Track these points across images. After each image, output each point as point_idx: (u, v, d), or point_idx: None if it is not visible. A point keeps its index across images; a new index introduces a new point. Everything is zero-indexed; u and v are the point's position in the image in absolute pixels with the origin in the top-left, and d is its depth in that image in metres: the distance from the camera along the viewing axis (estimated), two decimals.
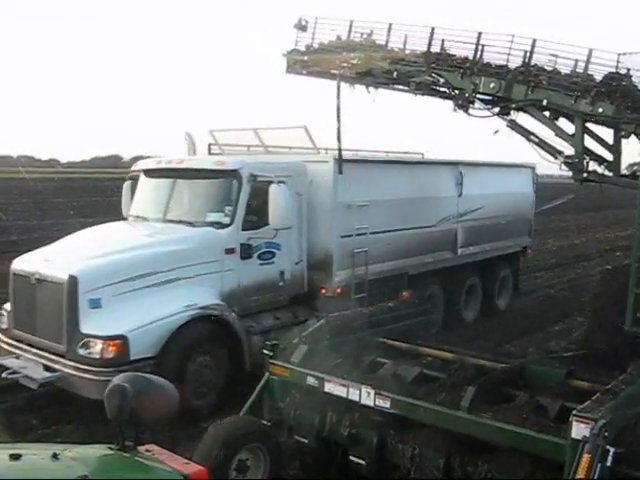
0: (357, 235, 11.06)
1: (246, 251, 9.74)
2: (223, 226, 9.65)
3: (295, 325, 8.82)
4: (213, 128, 13.10)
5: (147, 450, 2.79)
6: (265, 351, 7.15)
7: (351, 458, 6.31)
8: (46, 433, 8.14)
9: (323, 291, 10.75)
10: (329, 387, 6.43)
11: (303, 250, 10.66)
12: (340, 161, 10.89)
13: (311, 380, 6.59)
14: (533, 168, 17.03)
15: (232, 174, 9.87)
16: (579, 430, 4.78)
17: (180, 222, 9.92)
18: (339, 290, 10.81)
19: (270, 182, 9.73)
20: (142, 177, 11.25)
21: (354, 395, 6.22)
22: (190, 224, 9.75)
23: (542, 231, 27.49)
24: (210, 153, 12.90)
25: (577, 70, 10.73)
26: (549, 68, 11.01)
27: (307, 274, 10.78)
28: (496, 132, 11.71)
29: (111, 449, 2.72)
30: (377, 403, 6.06)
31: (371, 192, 11.44)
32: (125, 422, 2.60)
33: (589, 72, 10.56)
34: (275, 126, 12.57)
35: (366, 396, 6.13)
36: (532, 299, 17.62)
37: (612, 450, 4.56)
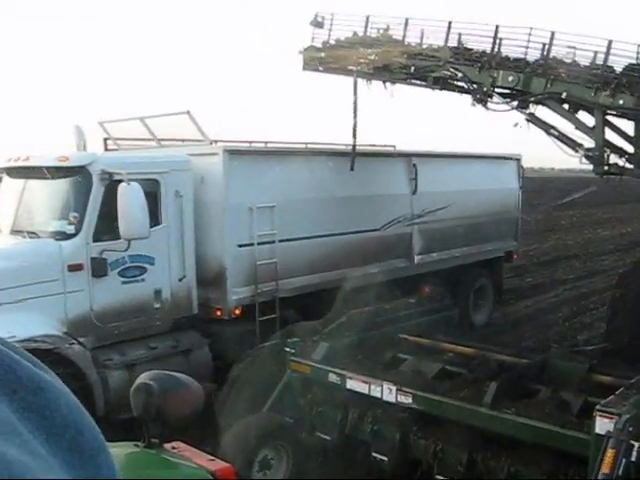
0: (261, 244, 9.16)
1: (99, 267, 7.75)
2: (67, 237, 7.66)
3: (179, 355, 8.25)
4: (104, 119, 11.12)
5: (173, 447, 2.82)
6: (287, 348, 7.18)
7: (374, 454, 6.33)
8: None
9: (218, 313, 8.91)
10: (351, 384, 6.46)
11: (188, 263, 8.68)
12: (353, 158, 10.48)
13: (333, 377, 6.62)
14: (518, 160, 14.81)
15: (79, 172, 7.93)
16: (603, 425, 4.76)
17: (27, 233, 7.98)
18: (238, 311, 8.95)
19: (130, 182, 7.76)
20: (4, 178, 9.02)
21: (376, 392, 6.24)
22: (34, 235, 7.87)
23: (587, 223, 28.81)
24: (106, 149, 11.02)
25: (597, 62, 10.62)
26: (568, 61, 10.91)
27: (196, 293, 8.80)
28: (516, 125, 11.59)
29: (137, 447, 2.75)
30: (399, 399, 6.08)
31: (281, 191, 9.56)
32: (151, 420, 2.63)
33: (609, 64, 10.46)
34: (160, 113, 10.50)
35: (388, 392, 6.14)
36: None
37: (637, 445, 4.53)
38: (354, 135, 10.64)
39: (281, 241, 9.39)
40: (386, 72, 12.28)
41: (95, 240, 7.72)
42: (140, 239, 7.73)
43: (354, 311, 7.82)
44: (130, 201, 7.56)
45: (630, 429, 4.58)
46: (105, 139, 11.03)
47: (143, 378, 2.69)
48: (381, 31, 12.74)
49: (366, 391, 6.32)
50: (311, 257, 9.96)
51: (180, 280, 8.58)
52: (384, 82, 12.49)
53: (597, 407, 4.93)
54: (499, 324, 13.93)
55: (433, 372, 6.60)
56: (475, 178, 13.26)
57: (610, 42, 10.38)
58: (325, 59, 13.00)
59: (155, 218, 8.20)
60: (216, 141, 10.00)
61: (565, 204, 35.48)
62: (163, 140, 10.49)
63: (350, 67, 12.20)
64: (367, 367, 6.61)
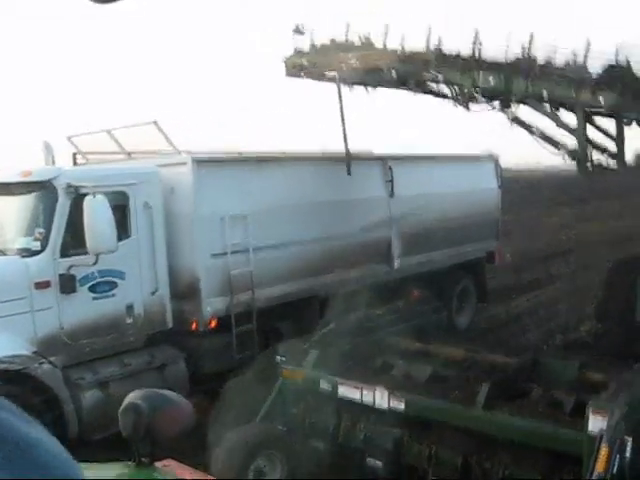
0: (234, 252, 8.93)
1: (68, 283, 7.52)
2: (33, 253, 7.42)
3: (153, 370, 8.10)
4: (72, 134, 10.84)
5: (165, 465, 2.78)
6: (278, 357, 7.15)
7: (368, 459, 6.30)
8: None
9: (194, 325, 8.66)
10: (342, 390, 6.43)
11: (161, 276, 8.45)
12: (349, 163, 10.45)
13: (324, 384, 6.59)
14: (496, 160, 14.39)
15: (43, 186, 7.70)
16: (596, 423, 4.76)
17: None
18: (214, 323, 8.73)
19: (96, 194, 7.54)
20: None
21: (368, 398, 6.22)
22: (0, 252, 7.62)
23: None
24: (75, 163, 10.84)
25: (577, 61, 10.72)
26: (547, 61, 10.99)
27: (171, 305, 8.55)
28: (513, 120, 11.49)
29: (128, 466, 2.71)
30: (391, 405, 6.05)
31: (254, 199, 9.37)
32: (141, 439, 2.60)
33: (588, 64, 10.55)
34: (127, 125, 10.25)
35: (380, 398, 6.12)
36: None
37: (630, 440, 4.54)
38: (345, 140, 10.65)
39: (256, 250, 9.17)
40: (367, 77, 12.32)
41: (63, 256, 7.49)
42: (108, 253, 7.53)
43: (343, 317, 7.79)
44: (96, 214, 7.38)
45: (623, 425, 4.59)
46: (74, 154, 10.84)
47: (131, 398, 2.66)
48: (362, 37, 12.79)
49: (358, 397, 6.30)
50: (288, 265, 9.74)
51: (153, 294, 8.34)
52: (366, 87, 12.52)
53: (589, 405, 4.93)
54: (502, 318, 14.07)
55: (424, 376, 6.59)
56: (453, 179, 13.11)
57: (589, 42, 10.47)
58: (307, 66, 13.03)
59: (124, 231, 8.05)
60: (186, 151, 9.68)
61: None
62: (132, 152, 10.25)
63: (331, 73, 12.22)
64: (358, 373, 6.58)
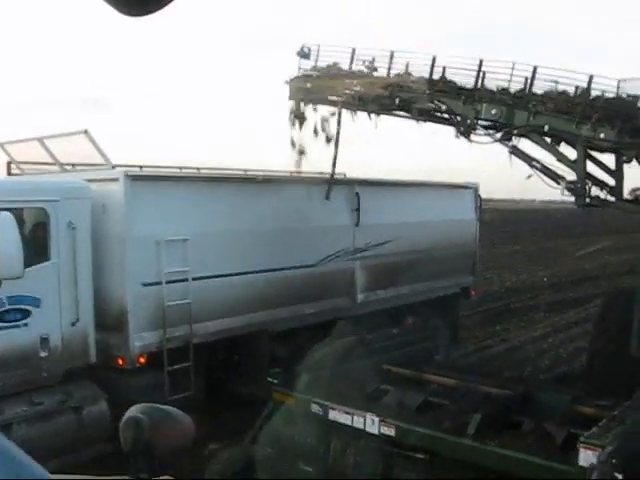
0: (170, 282, 8.05)
1: None
2: None
3: (68, 411, 7.25)
4: (4, 141, 9.86)
5: None
6: (269, 379, 7.13)
7: None
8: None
9: (120, 361, 7.78)
10: (333, 415, 6.41)
11: (84, 305, 7.50)
12: (330, 187, 10.24)
13: (315, 408, 6.56)
14: (475, 189, 13.83)
15: None
16: (586, 457, 4.75)
17: None
18: (143, 359, 7.86)
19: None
20: None
21: (359, 423, 6.20)
22: None
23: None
24: (9, 173, 9.78)
25: (579, 96, 10.80)
26: (549, 95, 11.08)
27: (95, 338, 7.64)
28: (529, 177, 11.45)
29: None
30: (382, 431, 6.04)
31: (196, 222, 8.49)
32: (140, 454, 2.59)
33: (590, 98, 10.64)
34: (58, 134, 9.20)
35: (371, 424, 6.10)
36: None
37: (620, 477, 4.52)
38: (333, 165, 10.64)
39: (196, 279, 8.29)
40: (371, 103, 12.39)
41: None
42: (12, 279, 6.56)
43: (337, 342, 7.77)
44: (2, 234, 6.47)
45: (614, 461, 4.57)
46: (8, 162, 9.84)
47: (132, 411, 2.66)
48: (367, 63, 12.88)
49: (349, 422, 6.28)
50: (233, 297, 8.87)
51: (73, 324, 7.42)
52: (369, 113, 12.59)
53: (581, 439, 4.92)
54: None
55: (416, 403, 6.57)
56: (427, 208, 12.39)
57: (591, 77, 10.56)
58: (311, 90, 13.11)
59: (42, 253, 7.24)
60: (121, 165, 8.82)
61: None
62: (66, 164, 9.26)
63: (335, 98, 12.30)
64: (350, 398, 6.56)
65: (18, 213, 6.83)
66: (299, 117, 11.87)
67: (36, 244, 7.19)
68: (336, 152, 10.64)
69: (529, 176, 11.32)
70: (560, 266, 28.92)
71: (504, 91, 11.25)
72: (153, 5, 1.10)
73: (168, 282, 8.02)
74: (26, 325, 7.02)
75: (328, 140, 10.96)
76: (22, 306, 6.99)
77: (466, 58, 11.69)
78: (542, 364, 13.26)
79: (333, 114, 11.38)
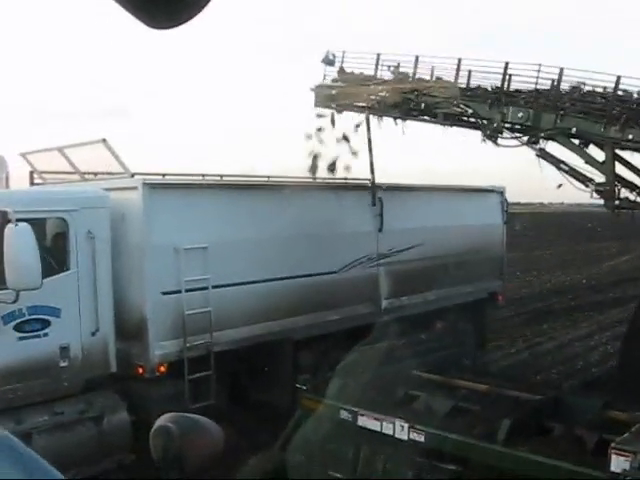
0: (190, 290, 8.01)
1: None
2: None
3: (89, 420, 7.21)
4: (26, 151, 9.85)
5: None
6: (298, 385, 7.16)
7: None
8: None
9: (140, 370, 7.76)
10: (362, 421, 6.41)
11: (103, 315, 7.51)
12: (374, 193, 10.35)
13: (344, 414, 6.58)
14: (501, 192, 13.61)
15: None
16: (619, 463, 4.71)
17: None
18: (163, 368, 7.83)
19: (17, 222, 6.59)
20: None
21: (388, 429, 6.20)
22: None
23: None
24: (32, 183, 9.83)
25: (606, 97, 10.72)
26: (576, 97, 11.01)
27: (115, 347, 7.64)
28: (559, 186, 11.38)
29: None
30: (411, 437, 6.03)
31: (215, 229, 8.44)
32: (170, 463, 2.62)
33: (616, 100, 10.55)
34: (77, 143, 9.17)
35: (400, 430, 6.10)
36: None
37: None
38: (372, 171, 10.67)
39: (216, 287, 8.24)
40: (397, 109, 12.39)
41: None
42: (30, 290, 6.56)
43: (366, 347, 7.77)
44: (17, 245, 6.50)
45: None
46: (31, 172, 9.91)
47: (163, 420, 2.69)
48: (392, 68, 12.88)
49: (378, 428, 6.28)
50: (254, 305, 8.77)
51: (93, 334, 7.42)
52: (395, 119, 12.59)
53: (612, 445, 4.87)
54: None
55: (446, 409, 6.55)
56: (452, 213, 12.22)
57: (618, 78, 10.47)
58: (337, 96, 13.15)
59: (62, 263, 7.27)
60: (141, 173, 8.68)
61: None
62: (86, 173, 9.25)
63: (361, 104, 12.33)
64: (379, 404, 6.57)
65: (37, 223, 6.86)
66: (332, 122, 11.90)
67: (55, 254, 7.23)
68: (371, 158, 10.66)
69: (559, 185, 11.23)
70: (596, 269, 29.29)
71: (531, 93, 11.19)
72: (181, 19, 1.09)
73: (188, 290, 8.00)
74: (46, 335, 7.03)
75: (354, 153, 10.93)
76: (42, 316, 7.01)
77: (492, 61, 11.66)
78: (592, 359, 13.47)
79: (358, 125, 11.34)
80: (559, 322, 17.61)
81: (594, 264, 31.03)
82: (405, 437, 6.07)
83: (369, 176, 10.81)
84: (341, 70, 13.20)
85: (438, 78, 11.96)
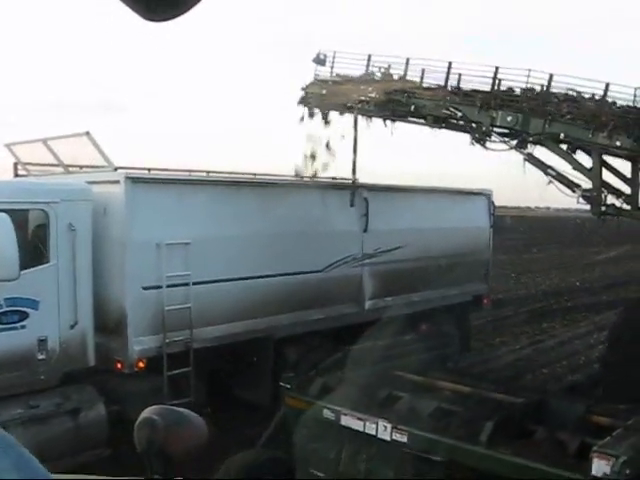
0: (170, 286, 7.93)
1: None
2: None
3: (65, 414, 7.14)
4: (10, 142, 9.81)
5: None
6: (282, 383, 7.14)
7: None
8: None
9: (119, 365, 7.72)
10: (345, 420, 6.40)
11: (82, 308, 7.42)
12: (354, 193, 10.36)
13: (327, 413, 6.56)
14: (489, 195, 13.59)
15: None
16: (600, 467, 4.72)
17: None
18: (142, 364, 7.77)
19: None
20: None
21: (371, 429, 6.19)
22: None
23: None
24: (16, 174, 9.75)
25: (595, 104, 10.78)
26: (565, 102, 11.06)
27: (94, 341, 7.57)
28: (549, 183, 11.44)
29: None
30: (394, 437, 6.02)
31: (198, 225, 8.41)
32: (154, 455, 2.61)
33: (605, 107, 10.61)
34: (60, 135, 9.11)
35: (383, 430, 6.09)
36: None
37: None
38: (354, 171, 10.70)
39: (197, 283, 8.19)
40: (386, 110, 12.40)
41: None
42: (7, 281, 6.46)
43: (350, 347, 7.77)
44: None
45: (627, 472, 4.55)
46: (15, 163, 9.82)
47: (147, 412, 2.68)
48: (382, 70, 12.90)
49: (361, 428, 6.27)
50: (235, 302, 8.74)
51: (72, 327, 7.35)
52: (384, 120, 12.60)
53: (594, 448, 4.89)
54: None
55: (429, 410, 6.55)
56: (438, 215, 12.18)
57: (607, 85, 10.53)
58: (326, 96, 13.14)
59: (41, 255, 7.20)
60: (124, 167, 8.69)
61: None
62: (70, 165, 9.17)
63: (350, 104, 12.33)
64: (362, 404, 6.56)
65: (17, 214, 6.77)
66: (325, 121, 11.96)
67: (35, 246, 7.17)
68: (355, 158, 10.68)
69: (549, 182, 11.27)
70: (588, 272, 29.88)
71: (520, 96, 11.23)
72: (177, 11, 1.08)
73: (168, 286, 7.93)
74: (24, 327, 6.96)
75: (328, 147, 11.08)
76: (20, 308, 6.93)
77: (482, 65, 11.69)
78: (592, 355, 13.50)
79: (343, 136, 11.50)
80: (557, 321, 18.23)
81: (586, 267, 31.66)
82: (388, 437, 6.07)
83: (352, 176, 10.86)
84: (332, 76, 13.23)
85: (426, 87, 12.00)
